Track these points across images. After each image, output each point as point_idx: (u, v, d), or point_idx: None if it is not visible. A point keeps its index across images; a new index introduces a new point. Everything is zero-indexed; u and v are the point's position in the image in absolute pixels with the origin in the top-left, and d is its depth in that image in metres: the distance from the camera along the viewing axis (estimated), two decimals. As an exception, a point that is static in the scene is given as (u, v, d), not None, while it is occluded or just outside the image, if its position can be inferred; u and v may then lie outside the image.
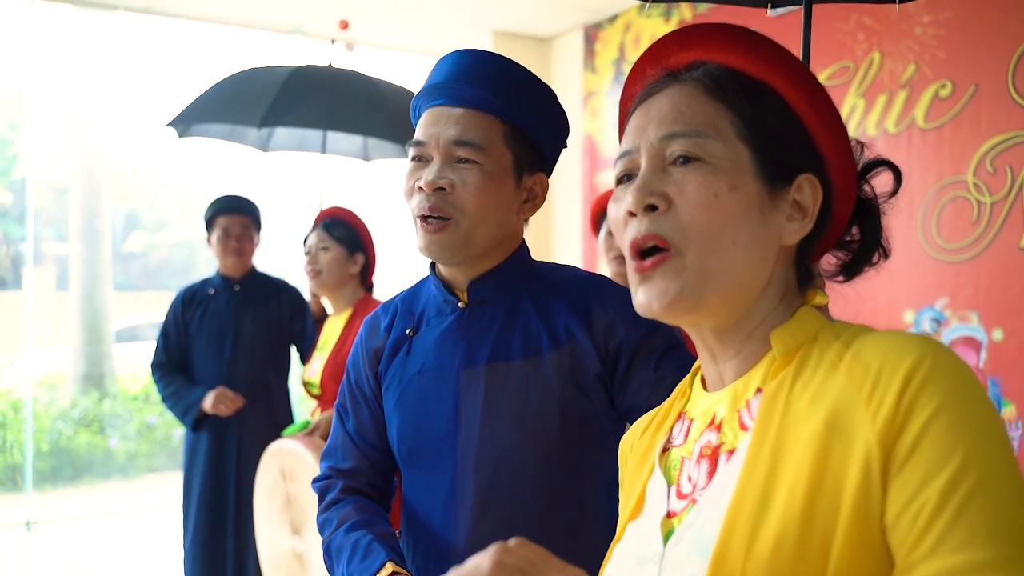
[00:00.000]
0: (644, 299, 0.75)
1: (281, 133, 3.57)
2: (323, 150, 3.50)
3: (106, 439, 7.28)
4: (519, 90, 1.24)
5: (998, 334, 3.39)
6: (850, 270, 0.83)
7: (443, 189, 1.20)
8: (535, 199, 1.30)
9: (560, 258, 5.53)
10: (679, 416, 0.84)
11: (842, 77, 3.99)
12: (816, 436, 0.67)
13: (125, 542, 5.18)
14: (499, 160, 1.23)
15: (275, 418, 3.13)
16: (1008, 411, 3.36)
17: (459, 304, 1.28)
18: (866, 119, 3.88)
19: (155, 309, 11.87)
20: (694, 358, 1.25)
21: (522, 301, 1.27)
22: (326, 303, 2.98)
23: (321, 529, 1.37)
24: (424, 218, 1.22)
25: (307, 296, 3.22)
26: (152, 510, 6.04)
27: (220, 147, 3.61)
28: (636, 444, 0.89)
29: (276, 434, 2.98)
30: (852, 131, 3.96)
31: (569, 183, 5.64)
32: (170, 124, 3.26)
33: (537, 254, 1.36)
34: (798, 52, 1.83)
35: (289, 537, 2.47)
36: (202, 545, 3.11)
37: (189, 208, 15.13)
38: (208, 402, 3.03)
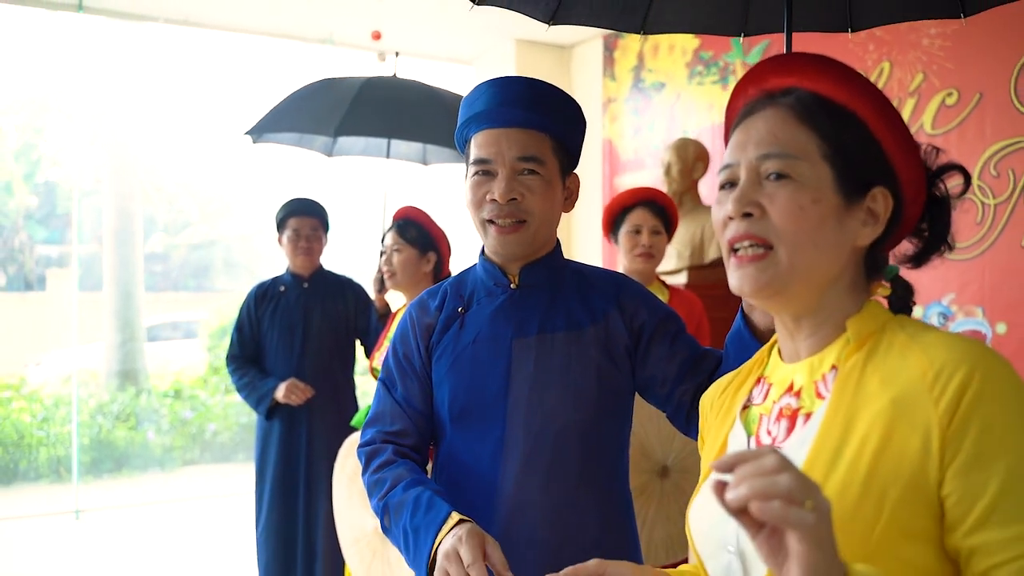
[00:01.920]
0: (737, 283, 0.94)
1: (346, 140, 3.77)
2: (387, 155, 3.71)
3: (143, 433, 7.53)
4: (559, 109, 1.48)
5: (1002, 328, 3.61)
6: (918, 260, 1.02)
7: (515, 199, 1.44)
8: (572, 196, 1.56)
9: (580, 257, 5.76)
10: (758, 380, 1.04)
11: (854, 85, 4.21)
12: (884, 410, 0.84)
13: (168, 530, 5.41)
14: (551, 169, 1.46)
15: (342, 407, 3.33)
16: (1011, 400, 3.57)
17: (511, 286, 1.51)
18: (876, 125, 4.10)
19: (174, 310, 12.12)
20: (696, 341, 1.50)
21: (564, 285, 1.52)
22: (391, 299, 3.18)
23: (371, 489, 1.50)
24: (499, 226, 1.46)
25: (371, 293, 3.44)
26: (191, 500, 6.29)
27: (250, 151, 3.82)
28: (716, 401, 1.10)
29: (343, 422, 3.19)
30: (863, 136, 4.19)
31: (590, 186, 5.87)
32: (247, 132, 3.48)
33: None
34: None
35: (372, 517, 2.69)
36: (275, 525, 3.30)
37: (208, 210, 15.39)
38: (280, 392, 3.22)
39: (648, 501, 2.24)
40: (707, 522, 0.99)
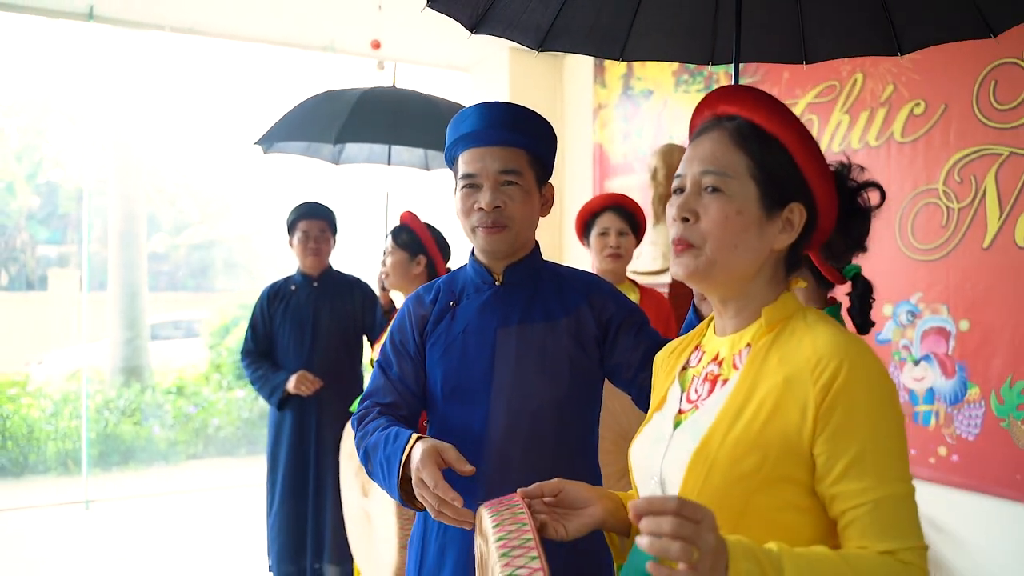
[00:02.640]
0: (674, 269, 1.20)
1: (351, 148, 3.98)
2: (388, 162, 3.93)
3: (148, 428, 7.75)
4: (534, 128, 1.72)
5: (964, 325, 3.83)
6: (836, 259, 1.27)
7: (499, 207, 1.67)
8: (548, 202, 1.79)
9: (571, 257, 5.98)
10: (696, 347, 1.29)
11: (829, 95, 4.43)
12: (778, 385, 1.09)
13: (175, 521, 5.61)
14: (529, 180, 1.70)
15: (349, 398, 3.51)
16: (973, 392, 3.79)
17: (495, 283, 1.75)
18: (850, 133, 4.33)
19: (174, 309, 12.32)
20: (658, 333, 1.73)
21: (541, 283, 1.75)
22: (394, 297, 3.41)
23: (358, 445, 1.69)
24: (487, 228, 1.68)
25: (377, 291, 3.66)
26: (196, 492, 6.49)
27: (250, 154, 4.03)
28: (666, 361, 1.34)
29: (350, 412, 3.42)
30: (838, 144, 4.40)
31: (581, 189, 6.09)
32: (257, 143, 3.69)
33: (551, 254, 1.83)
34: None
35: (360, 497, 2.92)
36: (286, 512, 3.51)
37: (208, 211, 15.59)
38: (291, 384, 3.43)
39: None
40: (639, 457, 1.24)
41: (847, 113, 4.36)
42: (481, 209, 1.67)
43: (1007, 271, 3.66)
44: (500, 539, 1.10)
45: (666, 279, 4.65)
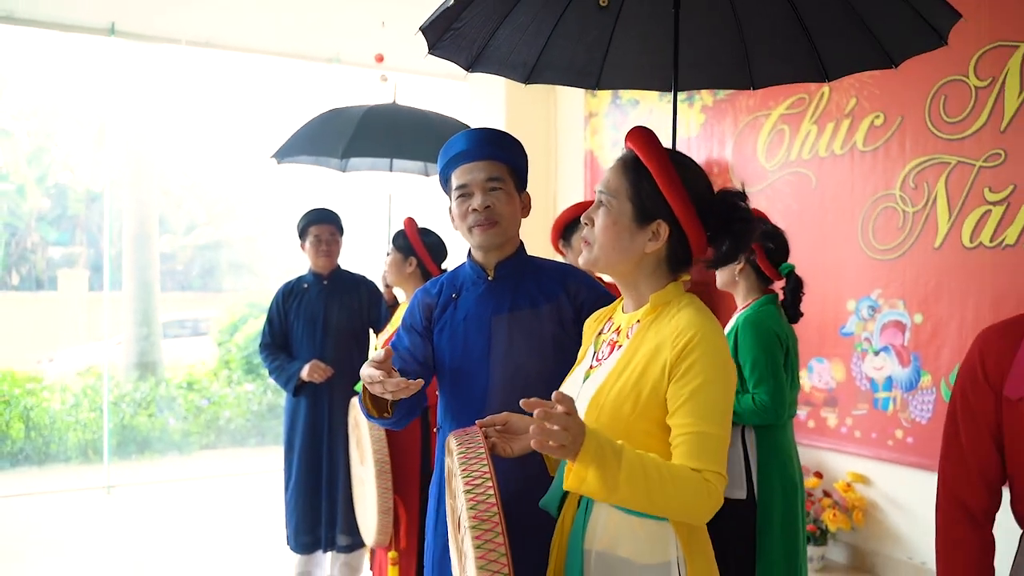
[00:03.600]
0: (579, 259, 1.59)
1: (354, 159, 4.36)
2: (391, 169, 4.29)
3: (163, 420, 8.13)
4: (510, 146, 2.09)
5: (918, 318, 4.20)
6: (713, 265, 1.61)
7: (489, 206, 2.04)
8: (526, 207, 2.15)
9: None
10: (609, 319, 1.68)
11: (799, 107, 4.80)
12: (650, 351, 1.47)
13: (191, 504, 5.95)
14: (510, 186, 2.07)
15: (357, 385, 3.92)
16: (925, 379, 4.16)
17: (488, 278, 2.11)
18: (818, 142, 4.69)
19: (181, 308, 12.68)
20: None
21: (526, 276, 2.10)
22: (397, 293, 3.77)
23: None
24: (480, 226, 2.05)
25: (381, 287, 4.02)
26: (210, 478, 6.86)
27: (257, 159, 4.38)
28: (589, 325, 1.74)
29: (356, 392, 3.79)
30: (808, 152, 4.76)
31: (572, 192, 6.46)
32: (272, 156, 4.05)
33: (546, 253, 2.19)
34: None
35: (358, 465, 3.29)
36: (303, 485, 3.84)
37: (214, 211, 15.96)
38: (305, 372, 3.76)
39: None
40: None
41: (815, 123, 4.73)
42: (475, 211, 2.03)
43: (955, 269, 4.03)
44: (460, 453, 1.51)
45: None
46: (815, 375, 4.70)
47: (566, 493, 1.59)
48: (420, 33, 2.39)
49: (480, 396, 2.04)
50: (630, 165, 1.56)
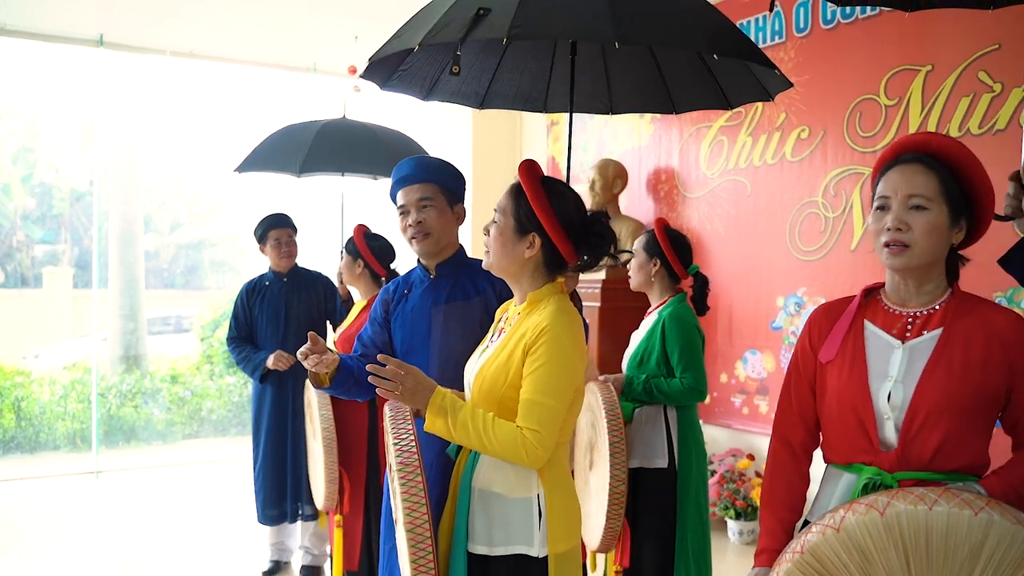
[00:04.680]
0: (484, 263, 2.01)
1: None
2: (343, 174, 4.69)
3: (148, 411, 8.52)
4: (441, 169, 2.52)
5: (837, 313, 4.64)
6: (578, 270, 2.03)
7: (421, 221, 2.47)
8: (460, 217, 2.58)
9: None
10: (505, 309, 2.10)
11: (736, 120, 5.23)
12: (521, 336, 1.88)
13: (176, 488, 6.33)
14: (440, 202, 2.50)
15: None
16: (843, 368, 4.60)
17: (431, 276, 2.54)
18: (752, 152, 5.13)
19: (164, 306, 13.02)
20: None
21: (461, 274, 2.52)
22: (352, 290, 4.19)
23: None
24: (415, 238, 2.47)
25: (337, 283, 4.45)
26: (193, 464, 7.26)
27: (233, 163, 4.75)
28: (499, 313, 2.15)
29: None
30: (743, 162, 5.19)
31: (536, 196, 6.87)
32: (236, 169, 4.44)
33: None
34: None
35: (312, 440, 3.71)
36: (270, 463, 4.25)
37: (195, 210, 16.31)
38: (270, 361, 4.16)
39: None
40: (467, 371, 2.06)
41: (750, 135, 5.17)
42: (410, 226, 2.49)
43: (868, 269, 4.46)
44: (391, 417, 1.95)
45: (601, 275, 5.44)
46: (749, 366, 5.14)
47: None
48: (371, 68, 2.75)
49: (423, 372, 2.46)
50: (515, 190, 1.99)
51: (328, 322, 4.47)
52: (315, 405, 3.46)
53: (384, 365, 1.91)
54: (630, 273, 3.34)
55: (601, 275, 5.43)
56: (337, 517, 3.53)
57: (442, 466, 2.22)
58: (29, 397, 7.96)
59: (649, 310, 3.31)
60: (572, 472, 2.68)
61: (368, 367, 1.90)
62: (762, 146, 5.09)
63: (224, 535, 5.08)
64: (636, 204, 5.96)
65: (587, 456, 3.05)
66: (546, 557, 1.91)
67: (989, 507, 1.39)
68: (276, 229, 4.34)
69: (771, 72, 2.54)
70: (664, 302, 3.25)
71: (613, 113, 3.27)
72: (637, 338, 3.30)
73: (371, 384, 2.50)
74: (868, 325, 1.73)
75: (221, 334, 9.52)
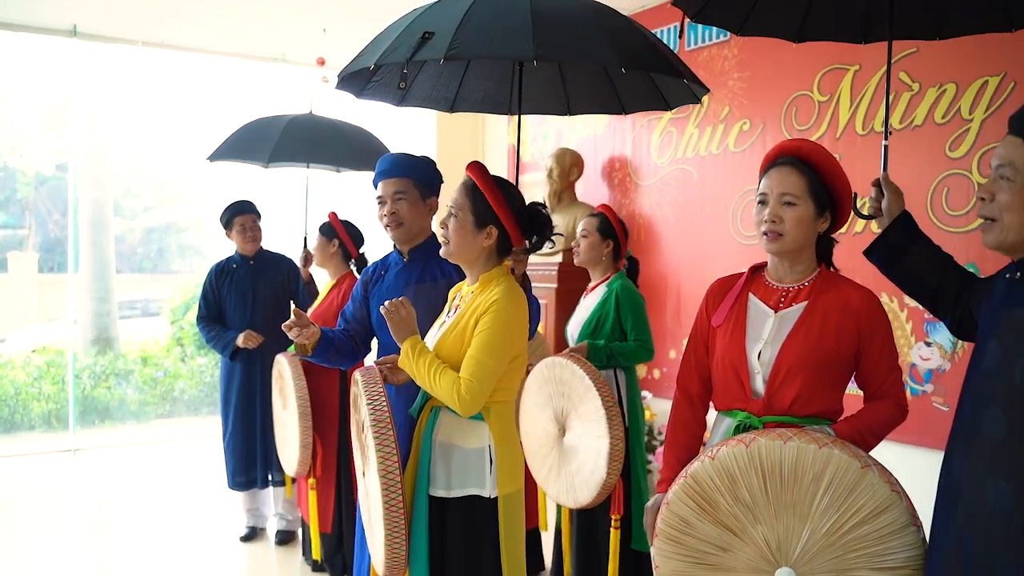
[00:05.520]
0: (442, 252, 2.34)
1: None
2: (308, 165, 4.94)
3: (121, 391, 8.73)
4: (415, 165, 2.84)
5: (775, 293, 5.01)
6: (527, 252, 2.36)
7: (394, 213, 2.77)
8: (433, 208, 2.89)
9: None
10: (459, 289, 2.41)
11: (684, 112, 5.56)
12: (475, 309, 2.23)
13: (151, 465, 6.56)
14: (413, 195, 2.82)
15: (284, 347, 4.54)
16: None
17: (404, 260, 2.85)
18: (699, 143, 5.47)
19: (131, 290, 13.16)
20: None
21: (431, 258, 2.83)
22: (319, 274, 4.48)
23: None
24: (389, 227, 2.78)
25: (300, 266, 4.71)
26: (167, 443, 7.51)
27: (203, 150, 4.96)
28: (452, 293, 2.46)
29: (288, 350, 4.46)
30: (690, 152, 5.54)
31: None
32: (208, 158, 4.68)
33: None
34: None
35: (281, 410, 3.99)
36: (239, 434, 4.53)
37: (162, 195, 16.39)
38: (240, 340, 4.45)
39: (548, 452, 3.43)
40: (428, 339, 2.35)
41: (697, 127, 5.51)
42: (385, 216, 2.81)
43: (802, 252, 4.83)
44: (363, 382, 2.26)
45: (558, 259, 5.77)
46: (696, 342, 5.49)
47: (424, 403, 2.34)
48: (344, 81, 3.01)
49: (392, 345, 2.77)
50: (470, 188, 2.31)
51: (291, 302, 4.74)
52: (289, 376, 3.75)
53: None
54: (578, 251, 3.66)
55: (558, 259, 5.76)
56: (311, 480, 3.83)
57: (406, 426, 2.54)
58: (3, 378, 8.13)
59: (592, 285, 3.65)
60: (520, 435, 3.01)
61: (383, 307, 2.30)
62: (708, 137, 5.44)
63: (201, 506, 5.36)
64: (592, 191, 6.29)
65: (556, 424, 3.27)
66: (496, 497, 2.25)
67: (831, 444, 1.76)
68: (241, 215, 4.61)
69: (686, 82, 2.86)
70: (608, 278, 3.60)
71: (571, 114, 3.56)
72: (586, 309, 3.63)
73: (350, 353, 2.86)
74: (751, 297, 2.08)
75: (191, 317, 9.74)
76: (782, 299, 2.05)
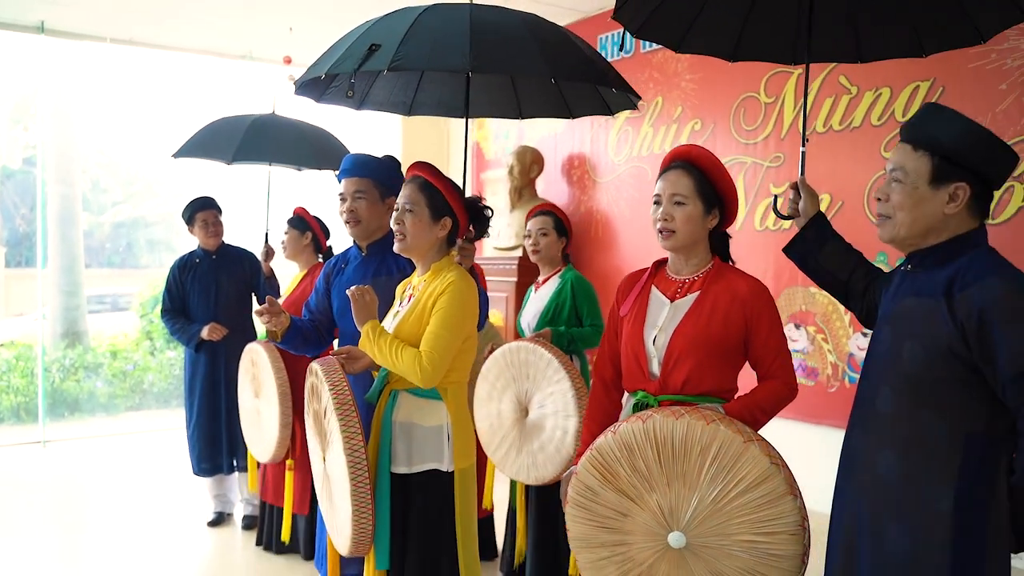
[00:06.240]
0: (395, 247, 2.52)
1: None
2: (270, 164, 5.06)
3: (91, 384, 8.81)
4: (375, 166, 3.00)
5: (724, 286, 5.22)
6: (470, 241, 2.58)
7: (353, 211, 2.94)
8: (390, 209, 3.01)
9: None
10: (410, 283, 2.59)
11: (640, 112, 5.77)
12: (430, 294, 2.40)
13: (119, 456, 6.64)
14: (372, 195, 2.98)
15: (246, 338, 4.57)
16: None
17: (363, 255, 3.02)
18: (653, 141, 5.67)
19: (99, 285, 13.17)
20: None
21: (387, 254, 2.99)
22: (290, 266, 4.63)
23: None
24: (347, 223, 2.95)
25: (261, 260, 4.84)
26: (136, 434, 7.61)
27: (169, 146, 5.06)
28: (400, 287, 2.63)
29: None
30: (645, 151, 5.74)
31: (460, 178, 7.34)
32: (173, 155, 4.80)
33: None
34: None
35: (252, 398, 4.12)
36: (204, 422, 4.66)
37: (130, 190, 16.37)
38: (205, 332, 4.57)
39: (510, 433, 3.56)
40: (384, 326, 2.52)
41: (652, 126, 5.71)
42: (344, 213, 2.98)
43: (750, 247, 5.05)
44: (323, 371, 2.42)
45: (518, 253, 5.96)
46: (650, 334, 5.70)
47: (382, 389, 2.51)
48: (302, 87, 3.17)
49: (351, 333, 2.94)
50: (425, 186, 2.49)
51: (252, 295, 4.88)
52: (266, 362, 3.85)
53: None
54: (539, 248, 3.82)
55: (518, 253, 5.95)
56: (289, 462, 3.97)
57: (362, 411, 2.71)
58: (-28, 372, 8.20)
59: (543, 278, 3.84)
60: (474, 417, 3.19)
61: (349, 291, 2.47)
62: (662, 136, 5.64)
63: (169, 494, 5.48)
64: (552, 187, 6.48)
65: (519, 405, 3.42)
66: (452, 471, 2.46)
67: (718, 420, 1.96)
68: (203, 211, 4.73)
69: (621, 91, 3.05)
70: (559, 270, 3.80)
71: (522, 118, 3.73)
72: (541, 300, 3.80)
73: (315, 342, 3.04)
74: (653, 288, 2.29)
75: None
76: (679, 290, 2.25)
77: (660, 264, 2.36)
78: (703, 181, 2.21)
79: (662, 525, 2.02)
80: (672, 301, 2.24)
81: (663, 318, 2.22)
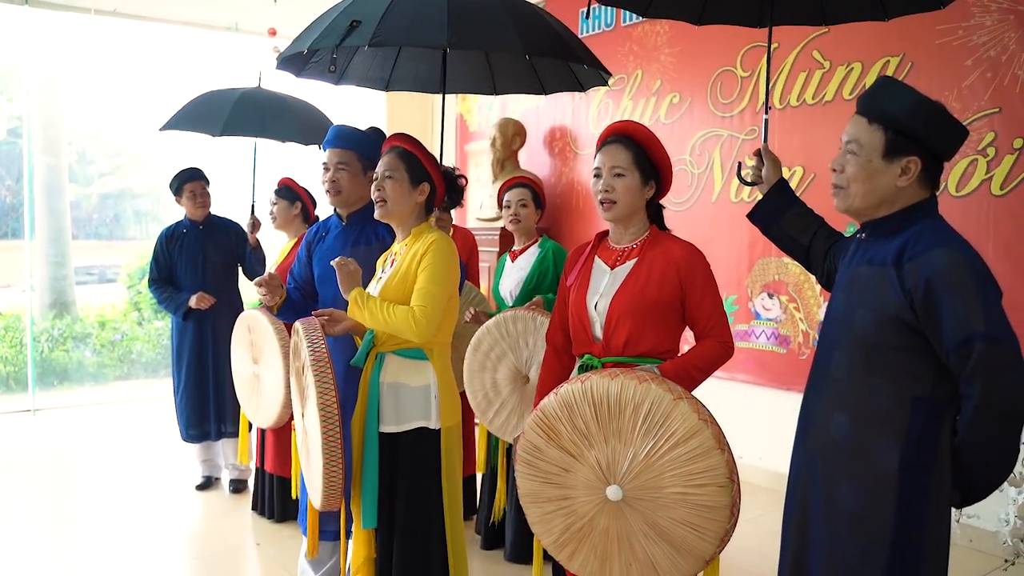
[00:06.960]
0: (376, 212, 2.62)
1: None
2: (257, 137, 5.14)
3: (79, 354, 8.90)
4: (357, 137, 3.09)
5: (700, 257, 5.34)
6: (445, 209, 2.72)
7: (335, 181, 3.03)
8: (371, 181, 3.10)
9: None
10: (389, 252, 2.70)
11: (620, 85, 5.85)
12: (412, 256, 2.54)
13: (108, 423, 6.76)
14: (354, 167, 3.08)
15: (233, 307, 4.77)
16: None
17: (343, 224, 3.11)
18: (632, 114, 5.76)
19: (86, 257, 13.18)
20: None
21: (367, 223, 3.10)
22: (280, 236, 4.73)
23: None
24: (329, 193, 3.04)
25: (247, 231, 4.91)
26: (124, 403, 7.72)
27: (156, 118, 5.10)
28: (381, 258, 2.73)
29: (235, 316, 4.68)
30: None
31: (446, 151, 7.41)
32: (160, 128, 4.87)
33: None
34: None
35: (251, 365, 4.20)
36: (192, 389, 4.77)
37: (117, 162, 16.34)
38: (193, 301, 4.67)
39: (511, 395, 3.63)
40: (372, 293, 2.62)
41: (631, 99, 5.80)
42: (326, 182, 3.06)
43: (726, 219, 5.17)
44: (304, 330, 2.53)
45: (500, 224, 6.05)
46: (629, 304, 5.83)
47: (368, 351, 2.62)
48: (283, 62, 3.24)
49: (332, 300, 3.06)
50: (403, 154, 2.60)
51: (239, 265, 4.97)
52: (267, 327, 3.60)
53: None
54: (519, 218, 3.92)
55: (500, 223, 6.05)
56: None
57: (350, 374, 2.82)
58: (-39, 342, 8.27)
59: (520, 248, 3.94)
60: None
61: (333, 261, 2.56)
62: (641, 109, 5.73)
63: (158, 460, 5.60)
64: (534, 159, 6.56)
65: (518, 373, 3.46)
66: (439, 429, 2.58)
67: (650, 380, 2.09)
68: (191, 182, 4.83)
69: (592, 67, 3.15)
70: (536, 240, 3.90)
71: (496, 93, 3.82)
72: (522, 269, 3.90)
73: (304, 310, 3.18)
74: (596, 258, 2.43)
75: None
76: (618, 258, 2.39)
77: (602, 236, 2.48)
78: (640, 154, 2.34)
79: (601, 479, 2.14)
80: (612, 268, 2.37)
81: (604, 284, 2.35)
